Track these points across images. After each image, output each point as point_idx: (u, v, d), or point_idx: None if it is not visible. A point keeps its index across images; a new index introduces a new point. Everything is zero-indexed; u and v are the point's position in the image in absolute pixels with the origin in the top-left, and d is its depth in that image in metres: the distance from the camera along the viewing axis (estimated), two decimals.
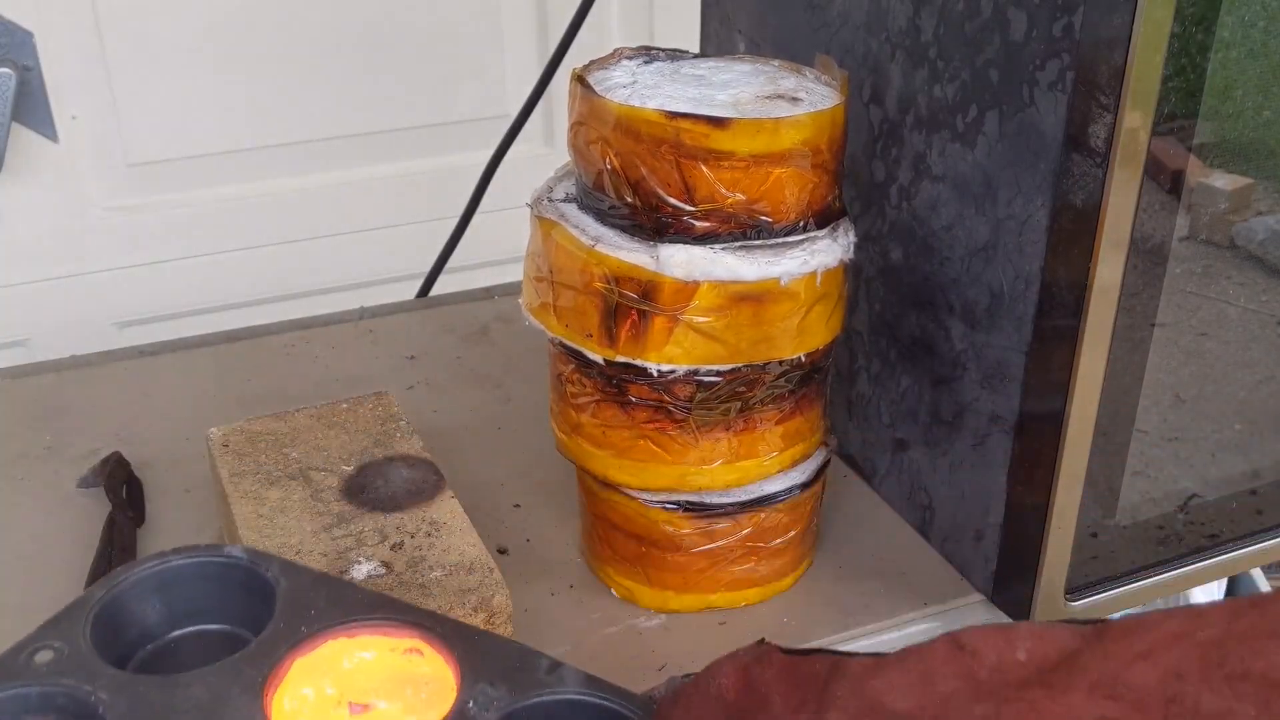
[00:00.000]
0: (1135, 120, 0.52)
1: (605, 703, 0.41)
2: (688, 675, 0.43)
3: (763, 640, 0.42)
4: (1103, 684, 0.27)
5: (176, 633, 0.46)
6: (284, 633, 0.43)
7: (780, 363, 0.59)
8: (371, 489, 0.62)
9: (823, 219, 0.58)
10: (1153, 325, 0.61)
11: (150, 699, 0.41)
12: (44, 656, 0.42)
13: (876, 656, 0.33)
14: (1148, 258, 0.59)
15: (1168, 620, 0.28)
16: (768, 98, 0.58)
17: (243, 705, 0.40)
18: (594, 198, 0.58)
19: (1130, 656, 0.27)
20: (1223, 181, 0.61)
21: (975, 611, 0.66)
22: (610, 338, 0.58)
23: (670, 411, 0.59)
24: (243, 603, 0.46)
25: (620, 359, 0.58)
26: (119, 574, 0.45)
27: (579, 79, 0.58)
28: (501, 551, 0.69)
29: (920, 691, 0.29)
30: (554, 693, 0.41)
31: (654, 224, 0.56)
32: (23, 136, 1.16)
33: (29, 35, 1.13)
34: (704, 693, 0.38)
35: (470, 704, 0.41)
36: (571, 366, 0.61)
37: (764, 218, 0.56)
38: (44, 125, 1.17)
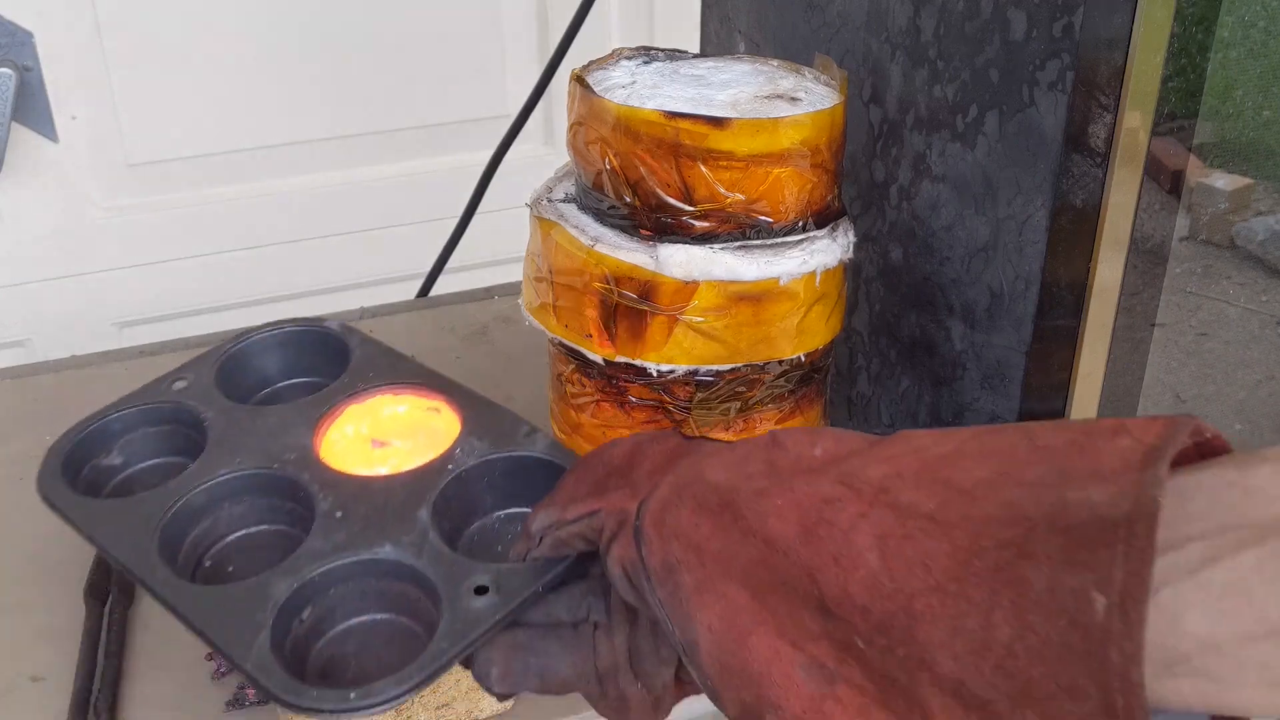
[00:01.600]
0: (1135, 120, 0.52)
1: (557, 462, 0.51)
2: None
3: (675, 428, 0.48)
4: (846, 476, 0.35)
5: (284, 383, 0.62)
6: (346, 386, 0.58)
7: (780, 363, 0.59)
8: None
9: (822, 219, 0.58)
10: (1153, 325, 0.61)
11: (241, 422, 0.55)
12: (179, 385, 0.58)
13: (729, 445, 0.41)
14: (1148, 258, 0.59)
15: (924, 436, 0.35)
16: (767, 98, 0.58)
17: (301, 433, 0.55)
18: (593, 198, 0.58)
19: (880, 459, 0.35)
20: (1223, 181, 0.61)
21: None
22: (610, 338, 0.58)
23: (670, 411, 0.59)
24: (332, 362, 0.60)
25: (620, 359, 0.58)
26: (244, 334, 0.61)
27: (578, 79, 0.58)
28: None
29: (733, 470, 0.38)
30: (523, 450, 0.53)
31: (653, 224, 0.56)
32: (23, 136, 1.16)
33: (29, 35, 1.13)
34: (599, 455, 0.45)
35: (459, 450, 0.53)
36: (571, 366, 0.61)
37: (763, 218, 0.56)
38: (44, 125, 1.17)
